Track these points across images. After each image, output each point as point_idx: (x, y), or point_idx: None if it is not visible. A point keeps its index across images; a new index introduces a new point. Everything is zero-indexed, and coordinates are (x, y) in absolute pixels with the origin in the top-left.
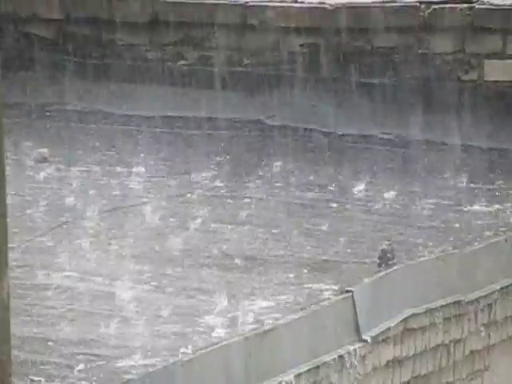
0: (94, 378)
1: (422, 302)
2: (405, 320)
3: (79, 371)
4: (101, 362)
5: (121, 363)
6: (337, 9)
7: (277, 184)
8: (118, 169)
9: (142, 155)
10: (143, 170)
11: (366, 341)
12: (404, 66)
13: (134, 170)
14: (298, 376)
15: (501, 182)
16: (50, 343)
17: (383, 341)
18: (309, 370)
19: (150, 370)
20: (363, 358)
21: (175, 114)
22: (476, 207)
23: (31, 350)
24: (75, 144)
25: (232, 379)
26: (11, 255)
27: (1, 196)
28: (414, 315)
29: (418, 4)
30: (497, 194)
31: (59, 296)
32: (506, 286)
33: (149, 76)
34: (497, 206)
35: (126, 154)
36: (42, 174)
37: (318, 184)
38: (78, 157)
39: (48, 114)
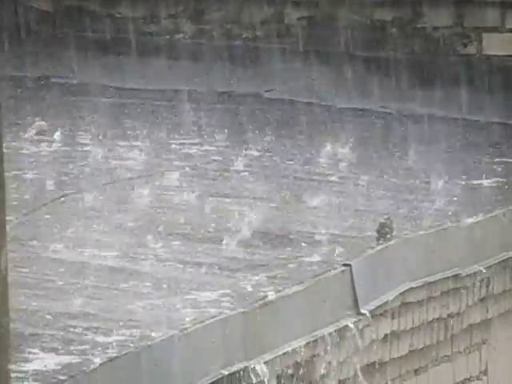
0: (92, 351)
1: (420, 276)
2: (403, 294)
3: (77, 344)
4: (99, 336)
5: (120, 336)
6: None
7: (274, 158)
8: (116, 142)
9: (139, 128)
10: (141, 143)
11: (363, 314)
12: (402, 40)
13: (133, 143)
14: (296, 349)
15: (497, 156)
16: (49, 316)
17: (381, 314)
18: (307, 344)
19: (149, 342)
20: (361, 331)
21: (173, 88)
22: (472, 181)
23: (30, 322)
24: (73, 117)
25: (230, 352)
26: (10, 228)
27: None
28: (411, 289)
29: None
30: (499, 168)
31: (58, 269)
32: (504, 260)
33: (147, 49)
34: (496, 179)
35: (124, 127)
36: (41, 147)
37: (315, 157)
38: (76, 130)
39: (46, 86)
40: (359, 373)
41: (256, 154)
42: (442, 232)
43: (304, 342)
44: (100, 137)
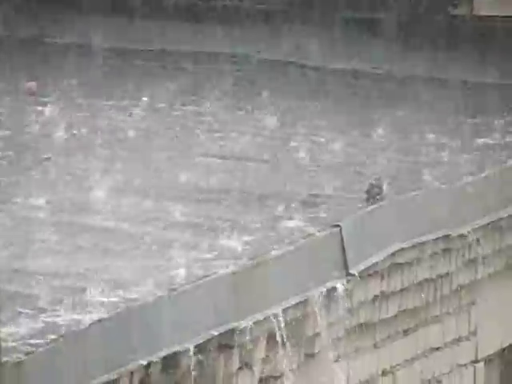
0: (81, 311)
1: (410, 237)
2: (392, 254)
3: (66, 304)
4: (88, 296)
5: (108, 297)
6: None
7: (267, 117)
8: (106, 103)
9: (132, 89)
10: (135, 103)
11: (353, 275)
12: (393, 1)
13: (125, 103)
14: (286, 310)
15: (480, 117)
16: (39, 276)
17: (370, 275)
18: (296, 304)
19: (138, 303)
20: (350, 292)
21: (160, 48)
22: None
23: (19, 282)
24: (66, 77)
25: (219, 313)
26: None
27: None
28: (401, 250)
29: None
30: (483, 128)
31: (48, 230)
32: (494, 221)
33: (135, 10)
34: (482, 140)
35: (115, 88)
36: (31, 107)
37: (306, 118)
38: (68, 90)
39: (32, 47)
40: (349, 333)
41: (246, 114)
42: (432, 193)
43: (293, 303)
44: (91, 97)
